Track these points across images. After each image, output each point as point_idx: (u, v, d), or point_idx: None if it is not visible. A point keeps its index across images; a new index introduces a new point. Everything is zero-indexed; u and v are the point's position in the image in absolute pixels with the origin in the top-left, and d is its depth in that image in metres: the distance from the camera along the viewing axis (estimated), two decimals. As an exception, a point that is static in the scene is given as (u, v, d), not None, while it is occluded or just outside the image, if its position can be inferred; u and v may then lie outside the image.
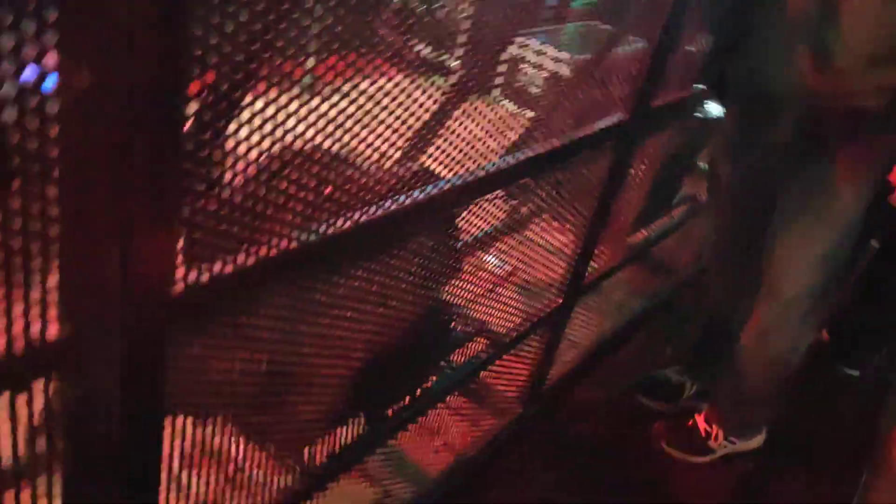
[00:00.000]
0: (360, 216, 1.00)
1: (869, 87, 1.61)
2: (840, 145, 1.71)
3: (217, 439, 1.04)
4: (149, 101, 0.62)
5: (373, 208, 1.02)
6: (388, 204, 1.05)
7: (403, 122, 1.00)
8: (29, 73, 0.57)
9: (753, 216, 1.95)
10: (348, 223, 0.98)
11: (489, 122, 1.22)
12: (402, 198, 1.08)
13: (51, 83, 0.59)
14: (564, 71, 1.42)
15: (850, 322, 2.68)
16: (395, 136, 1.00)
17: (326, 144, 0.89)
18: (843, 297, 2.66)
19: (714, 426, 2.15)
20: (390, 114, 0.97)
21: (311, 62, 0.81)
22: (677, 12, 1.61)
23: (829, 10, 1.57)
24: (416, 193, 1.11)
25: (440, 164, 1.16)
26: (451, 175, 1.19)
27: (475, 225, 1.40)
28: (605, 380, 2.37)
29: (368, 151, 0.96)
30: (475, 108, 1.18)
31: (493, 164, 1.29)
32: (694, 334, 2.33)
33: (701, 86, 2.08)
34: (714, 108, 2.26)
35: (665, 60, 1.67)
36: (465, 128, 1.17)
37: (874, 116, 1.63)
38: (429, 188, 1.13)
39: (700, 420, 2.17)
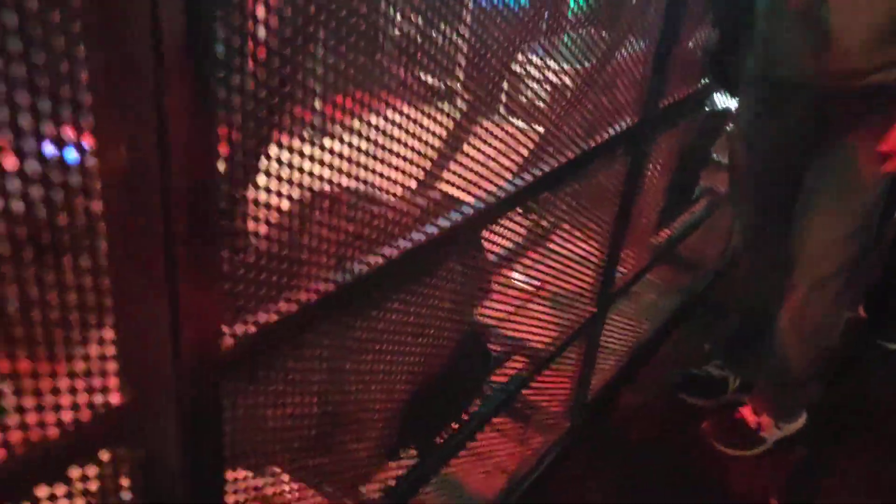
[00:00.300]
0: (391, 251, 1.02)
1: (878, 64, 1.61)
2: (855, 123, 1.71)
3: (275, 488, 1.05)
4: (181, 168, 0.64)
5: (401, 241, 1.04)
6: (415, 235, 1.07)
7: (421, 154, 1.02)
8: (66, 152, 0.59)
9: (776, 201, 1.95)
10: (380, 259, 0.99)
11: (501, 141, 1.23)
12: (428, 227, 1.09)
13: (87, 159, 0.61)
14: (570, 82, 1.43)
15: (886, 296, 2.65)
16: (414, 168, 1.02)
17: (352, 184, 0.91)
18: (876, 272, 2.63)
19: (762, 415, 2.13)
20: (407, 147, 0.98)
21: (331, 107, 0.83)
22: (676, 9, 1.62)
23: None
24: (440, 221, 1.12)
25: (460, 189, 1.17)
26: (471, 199, 1.20)
27: (500, 245, 1.41)
28: (647, 382, 2.35)
29: (392, 186, 0.98)
30: (487, 130, 1.19)
31: (512, 183, 1.30)
32: (731, 327, 2.31)
33: (708, 79, 2.08)
34: (724, 100, 2.26)
35: (669, 59, 1.68)
36: (480, 150, 1.18)
37: (887, 93, 1.63)
38: (452, 214, 1.15)
39: (747, 412, 2.15)
